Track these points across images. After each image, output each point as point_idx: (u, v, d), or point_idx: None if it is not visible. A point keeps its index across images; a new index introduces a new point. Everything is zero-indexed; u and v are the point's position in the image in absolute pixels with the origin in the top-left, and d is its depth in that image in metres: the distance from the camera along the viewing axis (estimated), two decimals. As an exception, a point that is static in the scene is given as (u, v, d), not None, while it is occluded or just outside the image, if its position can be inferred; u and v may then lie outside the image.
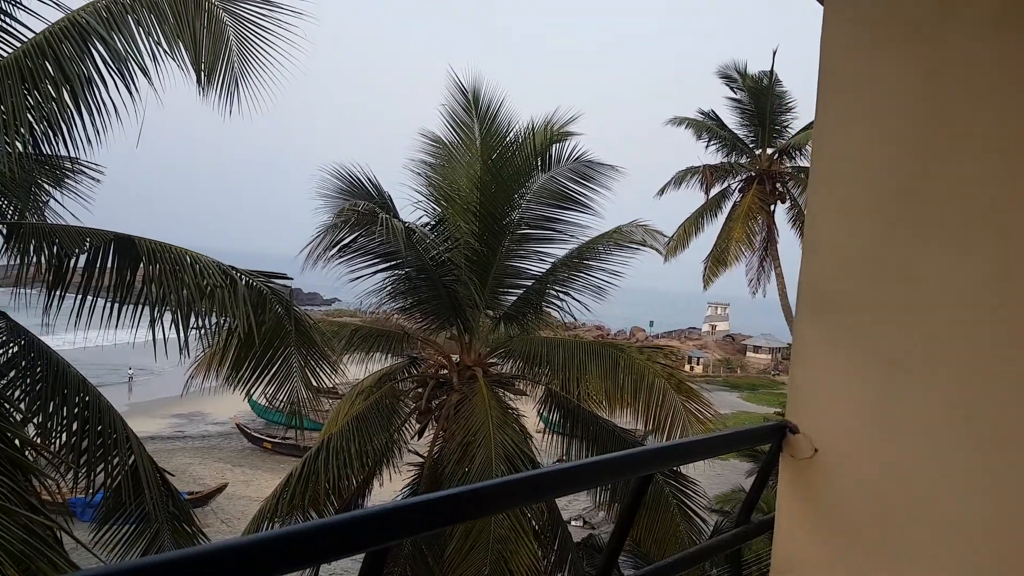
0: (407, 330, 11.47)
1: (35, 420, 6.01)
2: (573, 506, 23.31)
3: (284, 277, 7.55)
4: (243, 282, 6.79)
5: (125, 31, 6.27)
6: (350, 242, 10.19)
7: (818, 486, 1.85)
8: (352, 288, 10.88)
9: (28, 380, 6.11)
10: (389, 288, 10.85)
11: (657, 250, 11.96)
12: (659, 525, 9.70)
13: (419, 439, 10.77)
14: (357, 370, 11.43)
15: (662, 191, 25.64)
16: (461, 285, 10.50)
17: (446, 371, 10.81)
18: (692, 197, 25.60)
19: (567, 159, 11.37)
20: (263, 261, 9.44)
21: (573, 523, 20.49)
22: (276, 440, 31.75)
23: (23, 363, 6.14)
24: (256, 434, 33.16)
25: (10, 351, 6.15)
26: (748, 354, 70.96)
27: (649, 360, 10.40)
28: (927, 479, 1.71)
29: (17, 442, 5.28)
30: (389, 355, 11.49)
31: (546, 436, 10.92)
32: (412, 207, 10.97)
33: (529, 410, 10.91)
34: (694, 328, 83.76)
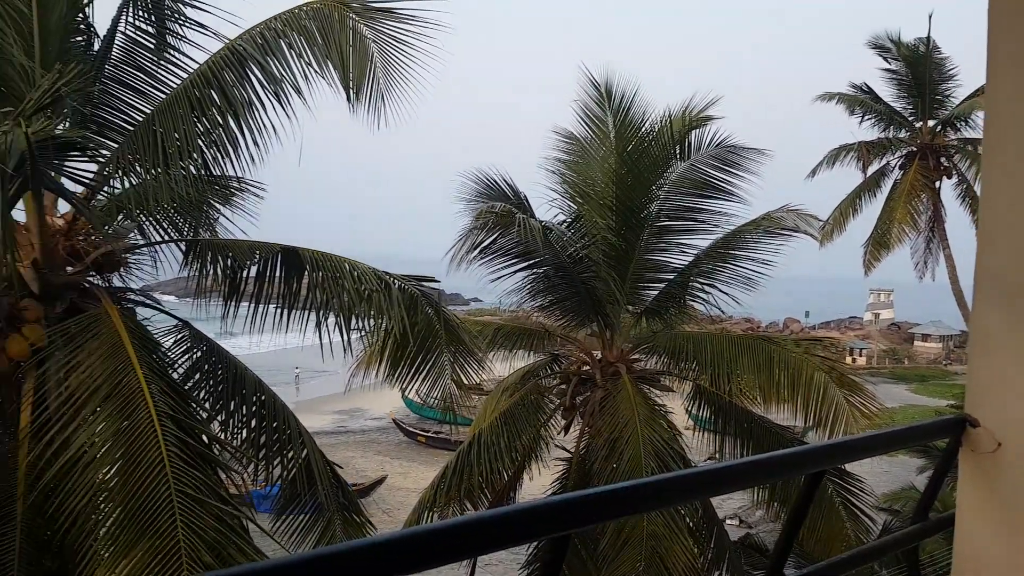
0: (548, 328, 11.58)
1: (219, 418, 6.62)
2: (728, 504, 22.59)
3: (433, 280, 7.86)
4: (396, 286, 7.12)
5: (279, 55, 6.72)
6: (489, 243, 10.45)
7: (1003, 482, 1.72)
8: (492, 288, 11.15)
9: (211, 382, 6.74)
10: (528, 287, 11.02)
11: (811, 235, 11.33)
12: (823, 524, 9.24)
13: (565, 435, 10.86)
14: (501, 367, 11.69)
15: (814, 172, 24.26)
16: (600, 281, 10.47)
17: (588, 368, 10.81)
18: (847, 177, 24.05)
19: (708, 145, 11.01)
20: (409, 265, 9.86)
21: (728, 522, 19.84)
22: (429, 434, 33.06)
23: (206, 366, 6.78)
24: (411, 428, 34.69)
25: (194, 356, 6.80)
26: (916, 343, 65.87)
27: (806, 353, 9.90)
28: None
29: (205, 438, 5.83)
30: (531, 352, 11.67)
31: (696, 433, 10.67)
32: (548, 206, 11.07)
33: (677, 407, 10.69)
34: (855, 317, 78.63)
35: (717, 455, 10.57)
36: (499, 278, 10.81)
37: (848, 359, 54.64)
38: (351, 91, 6.95)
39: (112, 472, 5.20)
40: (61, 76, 5.11)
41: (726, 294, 10.62)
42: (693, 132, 11.02)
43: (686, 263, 10.78)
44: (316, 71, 6.78)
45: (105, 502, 5.21)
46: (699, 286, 10.77)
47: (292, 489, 6.89)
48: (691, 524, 9.44)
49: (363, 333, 7.23)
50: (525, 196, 10.85)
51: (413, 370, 7.81)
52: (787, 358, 9.79)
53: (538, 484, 10.84)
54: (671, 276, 10.78)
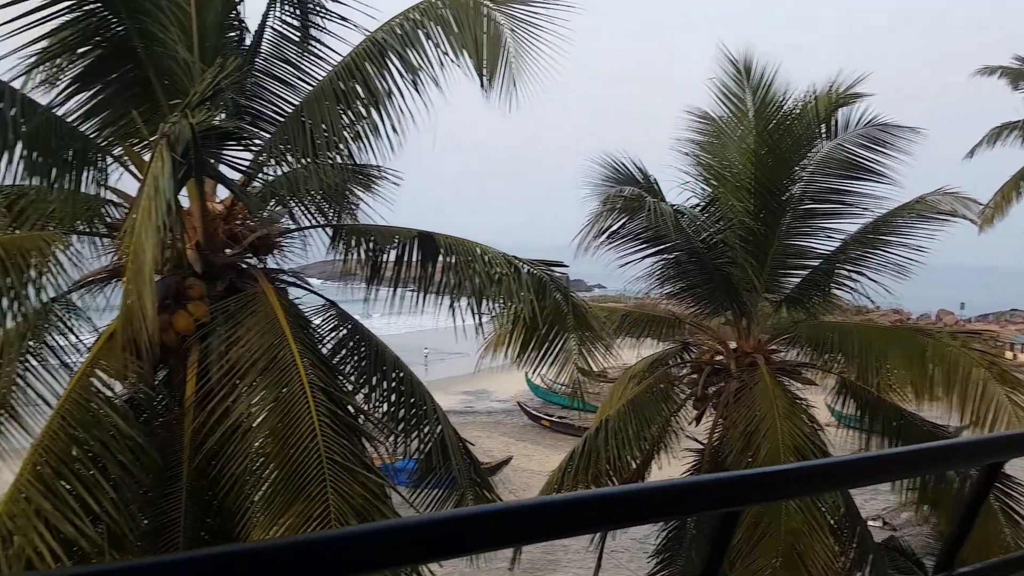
0: (678, 315, 11.31)
1: (362, 392, 6.96)
2: (870, 505, 21.33)
3: (561, 265, 7.86)
4: (525, 270, 7.19)
5: (417, 45, 6.91)
6: (617, 228, 10.28)
7: None
8: (617, 274, 10.99)
9: (355, 358, 7.10)
10: (658, 273, 10.78)
11: (971, 220, 10.42)
12: (976, 527, 8.54)
13: (696, 425, 10.60)
14: (628, 355, 11.55)
15: (972, 152, 22.27)
16: (736, 267, 10.08)
17: (722, 357, 10.47)
18: (1012, 157, 21.89)
19: (856, 124, 10.34)
20: (532, 251, 9.88)
21: (871, 523, 18.77)
22: (553, 418, 33.28)
23: (351, 343, 7.14)
24: (535, 412, 35.04)
25: (339, 334, 7.17)
26: (1089, 340, 59.36)
27: (963, 347, 9.14)
28: None
29: (351, 409, 6.14)
30: (659, 341, 11.44)
31: (839, 430, 10.14)
32: (679, 189, 10.76)
33: (818, 402, 10.19)
34: (1016, 310, 71.71)
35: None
36: (627, 264, 10.65)
37: (1008, 354, 49.96)
38: (483, 78, 7.02)
39: (268, 439, 5.58)
40: (221, 70, 5.48)
41: (875, 282, 9.97)
42: (840, 110, 10.40)
43: (831, 249, 10.19)
44: (452, 59, 6.91)
45: (261, 467, 5.60)
46: (845, 273, 10.17)
47: (427, 463, 7.14)
48: (832, 522, 8.99)
49: (492, 316, 7.36)
50: (655, 180, 10.60)
51: (541, 354, 7.87)
52: (942, 352, 9.11)
53: (666, 474, 10.66)
54: (815, 263, 10.21)
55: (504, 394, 38.62)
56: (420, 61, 6.86)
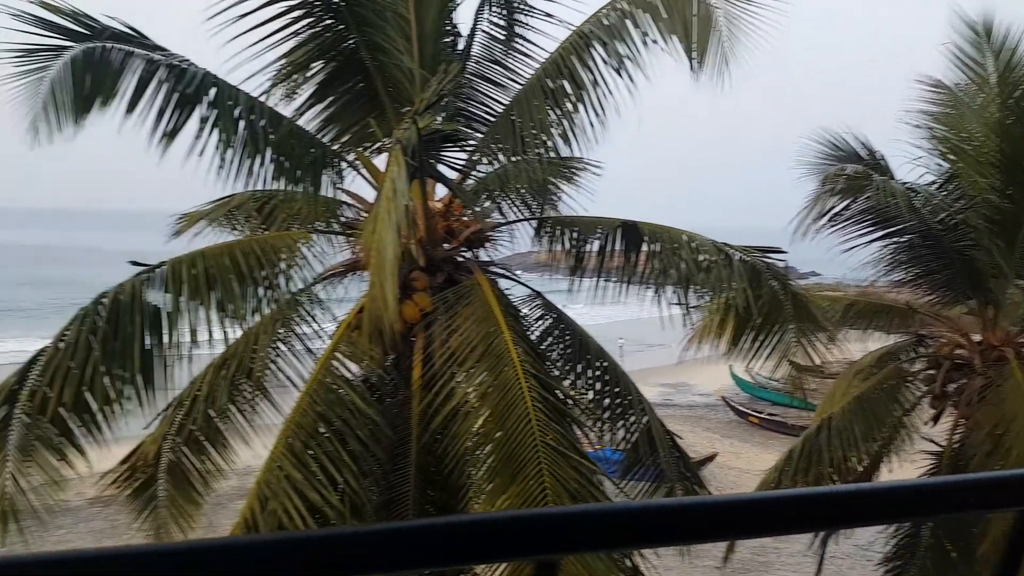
0: (911, 304, 10.29)
1: (568, 379, 7.10)
2: None
3: (778, 251, 7.47)
4: (737, 257, 6.93)
5: (624, 34, 6.88)
6: (840, 210, 9.54)
7: None
8: (836, 260, 10.19)
9: (560, 346, 7.27)
10: (887, 258, 9.87)
11: None
12: None
13: (933, 426, 9.61)
14: (854, 348, 10.72)
15: None
16: (980, 251, 8.98)
17: (964, 351, 9.39)
18: None
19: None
20: (743, 236, 9.44)
21: None
22: (763, 415, 31.70)
23: (556, 332, 7.32)
24: (742, 408, 33.57)
25: (545, 323, 7.38)
26: None
27: None
28: None
29: (559, 395, 6.30)
30: (888, 332, 10.50)
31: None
32: (911, 166, 9.75)
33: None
34: None
35: None
36: (850, 249, 9.84)
37: None
38: (693, 60, 6.84)
39: (488, 421, 5.88)
40: (445, 77, 5.84)
41: None
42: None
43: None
44: (662, 47, 6.81)
45: (481, 447, 5.92)
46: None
47: (634, 454, 7.13)
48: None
49: (701, 305, 7.18)
50: (882, 155, 9.71)
51: (756, 346, 7.54)
52: None
53: (898, 477, 9.76)
54: (1078, 245, 8.87)
55: (706, 388, 37.40)
56: (628, 51, 6.83)
